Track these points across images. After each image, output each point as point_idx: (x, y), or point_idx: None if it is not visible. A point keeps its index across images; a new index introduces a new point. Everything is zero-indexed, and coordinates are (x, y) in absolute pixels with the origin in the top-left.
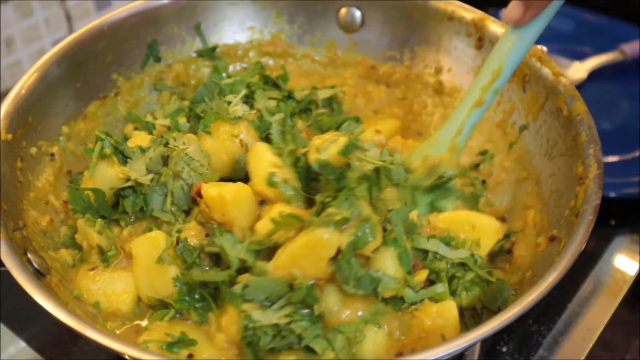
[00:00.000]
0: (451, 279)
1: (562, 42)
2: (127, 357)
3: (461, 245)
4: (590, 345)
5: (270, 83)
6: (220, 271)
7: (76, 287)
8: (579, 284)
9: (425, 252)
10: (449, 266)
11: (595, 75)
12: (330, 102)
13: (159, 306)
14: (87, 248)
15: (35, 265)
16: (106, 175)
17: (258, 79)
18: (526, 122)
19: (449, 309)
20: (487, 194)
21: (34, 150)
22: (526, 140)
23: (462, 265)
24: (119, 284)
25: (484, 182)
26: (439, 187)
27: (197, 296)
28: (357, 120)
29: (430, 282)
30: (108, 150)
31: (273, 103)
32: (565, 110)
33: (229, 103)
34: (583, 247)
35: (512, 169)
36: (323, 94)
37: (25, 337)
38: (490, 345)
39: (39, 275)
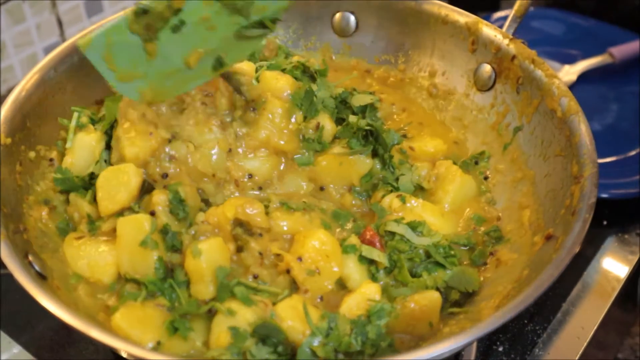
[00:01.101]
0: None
1: (552, 45)
2: (126, 355)
3: (427, 234)
4: (585, 344)
5: (308, 74)
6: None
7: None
8: (573, 283)
9: (393, 234)
10: (411, 250)
11: (584, 77)
12: (365, 109)
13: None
14: (78, 219)
15: (37, 268)
16: (84, 142)
17: (294, 68)
18: (520, 123)
19: (436, 298)
20: (489, 189)
21: (32, 154)
22: (520, 142)
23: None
24: (104, 255)
25: (486, 178)
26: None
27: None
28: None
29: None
30: (85, 120)
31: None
32: (560, 111)
33: None
34: (580, 245)
35: (507, 170)
36: (359, 100)
37: (22, 342)
38: (486, 345)
39: (41, 278)
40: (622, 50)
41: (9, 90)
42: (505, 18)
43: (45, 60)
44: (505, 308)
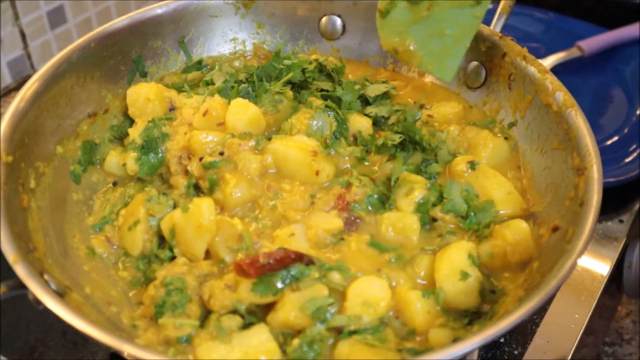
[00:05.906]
0: None
1: (518, 40)
2: None
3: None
4: (581, 331)
5: (325, 73)
6: None
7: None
8: None
9: None
10: None
11: (553, 71)
12: (377, 98)
13: None
14: None
15: (53, 286)
16: None
17: (313, 67)
18: (514, 119)
19: (522, 227)
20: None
21: (32, 171)
22: (515, 136)
23: None
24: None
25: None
26: None
27: None
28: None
29: None
30: None
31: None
32: (555, 105)
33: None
34: (593, 234)
35: None
36: (374, 91)
37: None
38: None
39: (58, 295)
40: (591, 44)
41: None
42: None
43: (37, 75)
44: (535, 293)
